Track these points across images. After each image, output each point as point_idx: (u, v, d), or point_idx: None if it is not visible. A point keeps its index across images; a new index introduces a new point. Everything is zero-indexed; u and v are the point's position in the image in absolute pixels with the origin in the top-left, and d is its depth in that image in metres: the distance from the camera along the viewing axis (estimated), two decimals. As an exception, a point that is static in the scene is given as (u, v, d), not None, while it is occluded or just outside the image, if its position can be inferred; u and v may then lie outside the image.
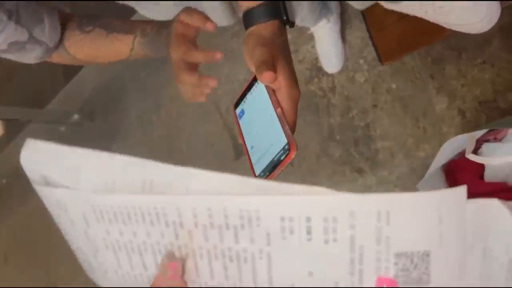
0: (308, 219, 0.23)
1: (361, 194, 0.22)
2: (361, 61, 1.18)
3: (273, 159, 0.42)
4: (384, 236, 0.23)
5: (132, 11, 0.82)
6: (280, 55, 0.47)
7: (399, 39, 0.82)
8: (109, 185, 0.26)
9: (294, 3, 0.97)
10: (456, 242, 0.25)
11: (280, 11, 0.49)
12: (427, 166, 1.07)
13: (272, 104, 0.45)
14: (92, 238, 0.27)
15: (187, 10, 0.53)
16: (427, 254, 0.24)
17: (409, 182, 1.11)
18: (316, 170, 1.30)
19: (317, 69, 1.29)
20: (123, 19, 0.61)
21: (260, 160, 0.44)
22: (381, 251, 0.23)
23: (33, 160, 0.27)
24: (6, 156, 3.09)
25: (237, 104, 0.53)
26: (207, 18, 0.51)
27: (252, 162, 0.46)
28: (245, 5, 0.50)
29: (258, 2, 0.49)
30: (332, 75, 1.25)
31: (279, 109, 0.44)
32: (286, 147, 0.41)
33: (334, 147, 1.26)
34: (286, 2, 0.50)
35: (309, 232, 0.24)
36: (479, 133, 0.68)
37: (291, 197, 0.23)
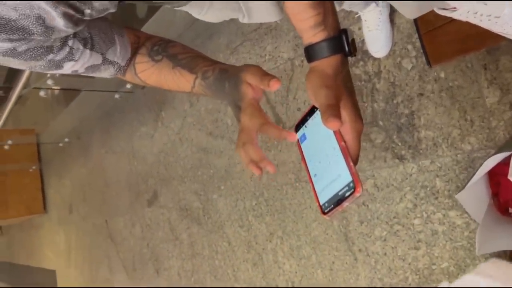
0: None
1: None
2: (409, 47, 1.14)
3: (337, 193, 0.43)
4: None
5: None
6: (343, 89, 0.47)
7: (450, 42, 0.78)
8: None
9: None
10: None
11: (342, 45, 0.48)
12: (472, 160, 1.06)
13: (335, 136, 0.46)
14: None
15: (252, 70, 0.53)
16: None
17: (452, 173, 1.10)
18: (357, 154, 1.31)
19: (363, 52, 1.27)
20: (190, 52, 0.63)
21: (325, 190, 0.45)
22: None
23: None
24: (65, 118, 3.34)
25: (298, 127, 0.53)
26: (271, 77, 0.51)
27: (316, 191, 0.47)
28: (307, 39, 0.48)
29: (321, 37, 0.47)
30: (378, 59, 1.23)
31: (342, 143, 0.45)
32: (351, 184, 0.41)
33: (376, 132, 1.26)
34: (348, 34, 0.48)
35: None
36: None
37: None
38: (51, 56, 0.53)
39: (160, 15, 1.90)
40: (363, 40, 1.24)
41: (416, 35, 1.11)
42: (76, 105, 2.93)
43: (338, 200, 0.43)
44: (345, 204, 0.42)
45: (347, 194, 0.42)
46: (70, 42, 0.54)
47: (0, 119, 2.42)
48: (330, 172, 0.45)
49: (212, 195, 1.99)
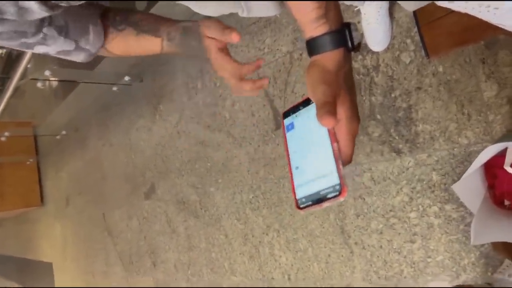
0: None
1: None
2: (408, 41, 1.15)
3: (319, 192, 0.42)
4: None
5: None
6: (343, 87, 0.46)
7: (449, 34, 0.78)
8: None
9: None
10: None
11: (345, 39, 0.46)
12: (468, 154, 1.07)
13: (329, 135, 0.43)
14: None
15: (210, 24, 0.58)
16: None
17: (448, 167, 1.11)
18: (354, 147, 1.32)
19: (362, 46, 1.27)
20: (150, 17, 0.66)
21: (305, 185, 0.44)
22: None
23: None
24: (63, 110, 3.33)
25: (287, 114, 0.50)
26: (231, 30, 0.56)
27: (295, 183, 0.45)
28: (308, 33, 0.47)
29: (323, 30, 0.46)
30: (377, 53, 1.23)
31: (335, 144, 0.43)
32: (337, 187, 0.40)
33: (374, 126, 1.27)
34: (352, 28, 0.46)
35: None
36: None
37: None
38: (23, 39, 0.56)
39: (159, 8, 1.90)
40: (362, 33, 1.24)
41: (415, 29, 1.11)
42: (73, 98, 2.92)
43: (318, 199, 0.42)
44: (325, 204, 0.41)
45: (330, 196, 0.41)
46: (45, 30, 0.56)
47: (-3, 110, 2.41)
48: (315, 169, 0.44)
49: (209, 188, 1.99)
